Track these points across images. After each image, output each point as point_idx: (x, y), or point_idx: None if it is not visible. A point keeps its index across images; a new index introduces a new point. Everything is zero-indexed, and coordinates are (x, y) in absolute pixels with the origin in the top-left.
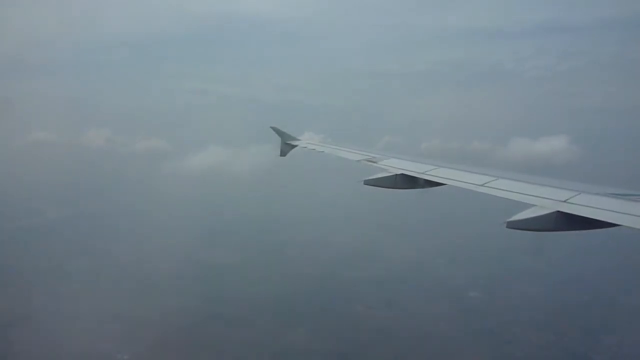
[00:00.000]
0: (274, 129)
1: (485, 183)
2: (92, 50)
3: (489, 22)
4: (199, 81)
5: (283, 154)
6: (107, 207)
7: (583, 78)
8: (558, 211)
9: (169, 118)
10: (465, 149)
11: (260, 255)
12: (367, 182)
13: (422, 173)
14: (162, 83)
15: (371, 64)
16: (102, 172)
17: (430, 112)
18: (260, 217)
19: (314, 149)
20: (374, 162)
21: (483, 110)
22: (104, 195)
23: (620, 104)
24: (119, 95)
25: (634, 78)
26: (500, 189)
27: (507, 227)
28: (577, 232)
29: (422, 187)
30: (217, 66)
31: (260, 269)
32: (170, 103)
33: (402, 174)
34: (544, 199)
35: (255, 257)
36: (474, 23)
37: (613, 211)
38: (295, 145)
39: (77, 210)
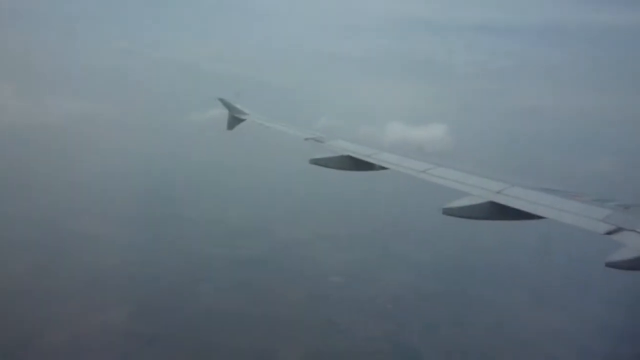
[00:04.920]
0: (222, 100)
1: (426, 170)
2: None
3: (432, 14)
4: (127, 41)
5: (230, 127)
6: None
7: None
8: (491, 201)
9: (89, 79)
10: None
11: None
12: (313, 162)
13: (368, 156)
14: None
15: (316, 44)
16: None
17: (370, 97)
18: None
19: (261, 124)
20: (321, 142)
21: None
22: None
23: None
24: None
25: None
26: (439, 177)
27: (443, 213)
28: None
29: (367, 169)
30: (152, 27)
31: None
32: (91, 62)
33: (348, 156)
34: (480, 188)
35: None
36: (418, 13)
37: (542, 205)
38: (244, 119)
39: None
